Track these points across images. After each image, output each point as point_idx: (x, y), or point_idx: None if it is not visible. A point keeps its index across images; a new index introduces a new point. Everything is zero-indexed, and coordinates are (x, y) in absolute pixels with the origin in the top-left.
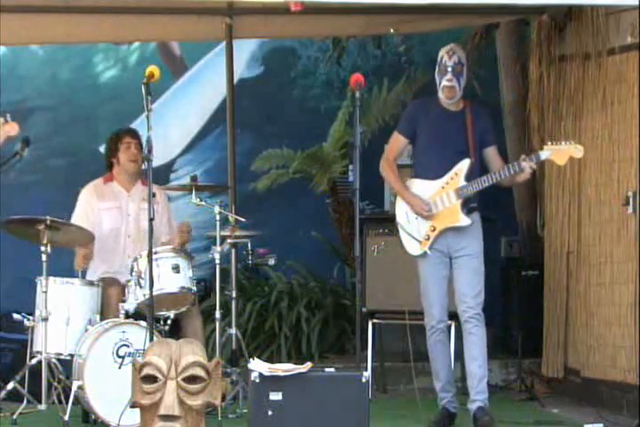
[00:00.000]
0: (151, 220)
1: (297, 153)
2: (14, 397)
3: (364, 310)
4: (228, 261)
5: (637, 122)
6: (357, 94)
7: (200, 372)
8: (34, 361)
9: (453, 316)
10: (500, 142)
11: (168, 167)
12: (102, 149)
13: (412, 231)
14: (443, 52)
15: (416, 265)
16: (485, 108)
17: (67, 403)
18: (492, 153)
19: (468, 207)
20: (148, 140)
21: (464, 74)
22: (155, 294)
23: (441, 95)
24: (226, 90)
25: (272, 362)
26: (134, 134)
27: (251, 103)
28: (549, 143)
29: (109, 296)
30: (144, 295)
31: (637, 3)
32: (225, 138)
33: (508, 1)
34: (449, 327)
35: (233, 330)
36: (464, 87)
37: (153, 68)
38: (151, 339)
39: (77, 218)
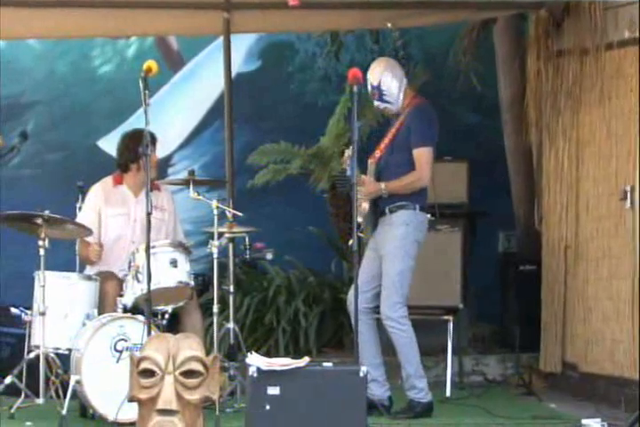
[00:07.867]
0: (149, 214)
1: (294, 147)
2: (12, 391)
3: None
4: (226, 255)
5: (635, 117)
6: (355, 89)
7: (198, 366)
8: (32, 355)
9: (453, 310)
10: (498, 137)
11: (165, 161)
12: (100, 143)
13: None
14: None
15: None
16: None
17: (64, 397)
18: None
19: None
20: (145, 135)
21: (383, 92)
22: (152, 288)
23: None
24: (223, 84)
25: (270, 356)
26: (155, 140)
27: (248, 98)
28: None
29: (107, 291)
30: (142, 290)
31: None
32: (222, 132)
33: None
34: (446, 322)
35: (231, 324)
36: (398, 97)
37: (151, 63)
38: (149, 333)
39: (84, 221)
